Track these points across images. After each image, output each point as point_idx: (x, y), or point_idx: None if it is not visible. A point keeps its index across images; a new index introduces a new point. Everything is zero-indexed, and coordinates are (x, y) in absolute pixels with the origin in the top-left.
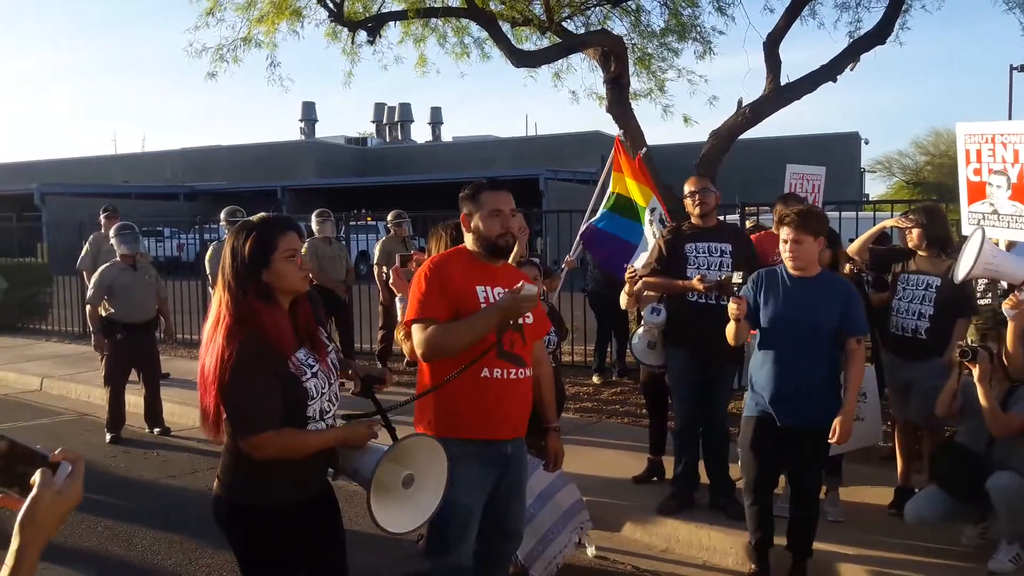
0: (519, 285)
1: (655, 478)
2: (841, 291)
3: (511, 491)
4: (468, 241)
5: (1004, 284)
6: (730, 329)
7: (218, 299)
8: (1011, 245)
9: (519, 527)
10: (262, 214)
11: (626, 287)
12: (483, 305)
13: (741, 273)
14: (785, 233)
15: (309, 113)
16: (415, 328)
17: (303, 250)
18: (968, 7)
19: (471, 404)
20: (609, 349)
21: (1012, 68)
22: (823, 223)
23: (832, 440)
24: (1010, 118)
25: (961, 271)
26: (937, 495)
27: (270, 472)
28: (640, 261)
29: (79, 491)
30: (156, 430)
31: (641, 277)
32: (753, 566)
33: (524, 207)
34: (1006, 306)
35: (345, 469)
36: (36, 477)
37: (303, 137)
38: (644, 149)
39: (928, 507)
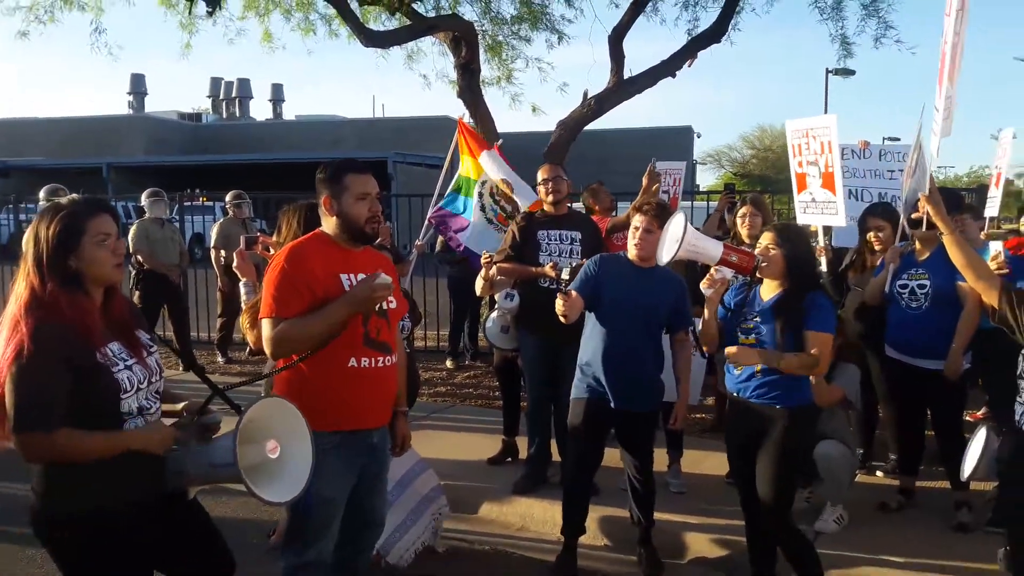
0: (374, 274)
1: (509, 459)
2: (676, 284)
3: (374, 480)
4: (329, 225)
5: (823, 264)
6: (560, 306)
7: (17, 290)
8: (828, 230)
9: (382, 516)
10: (72, 195)
11: (482, 272)
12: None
13: (570, 267)
14: (639, 221)
15: (138, 86)
16: (265, 325)
17: (132, 234)
18: (791, 13)
19: (337, 395)
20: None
21: (828, 71)
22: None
23: (673, 426)
24: None
25: (666, 254)
26: None
27: (86, 477)
28: (472, 239)
29: None
30: None
31: (495, 263)
32: (563, 539)
33: None
34: (704, 285)
35: (197, 472)
36: None
37: (131, 111)
38: (499, 141)
39: None
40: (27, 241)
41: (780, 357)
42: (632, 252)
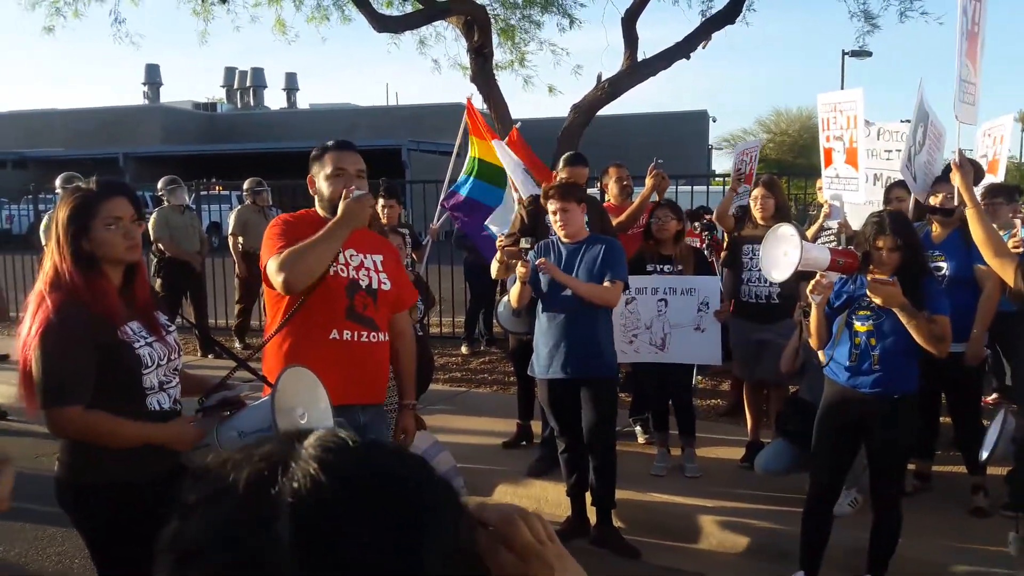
0: (351, 188)
1: (524, 442)
2: (605, 245)
3: None
4: (316, 204)
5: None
6: (514, 292)
7: (44, 266)
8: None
9: None
10: (93, 178)
11: (497, 255)
12: (340, 266)
13: (531, 239)
14: (553, 205)
15: (153, 76)
16: (270, 262)
17: (152, 222)
18: None
19: (320, 367)
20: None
21: (844, 53)
22: (582, 192)
23: None
24: None
25: (780, 272)
26: (782, 448)
27: (111, 449)
28: (496, 222)
29: (3, 499)
30: None
31: (506, 246)
32: (570, 513)
33: (387, 178)
34: (811, 291)
35: (226, 443)
36: None
37: (147, 101)
38: (518, 123)
39: (775, 459)
40: (51, 221)
41: (923, 315)
42: (560, 234)
